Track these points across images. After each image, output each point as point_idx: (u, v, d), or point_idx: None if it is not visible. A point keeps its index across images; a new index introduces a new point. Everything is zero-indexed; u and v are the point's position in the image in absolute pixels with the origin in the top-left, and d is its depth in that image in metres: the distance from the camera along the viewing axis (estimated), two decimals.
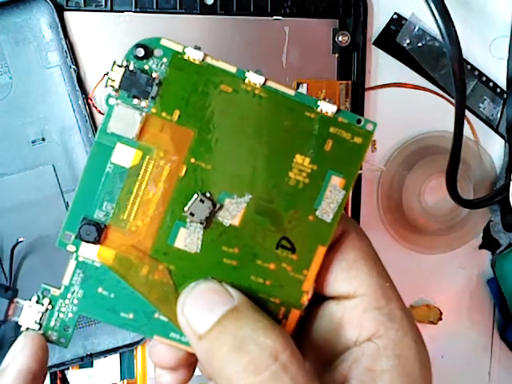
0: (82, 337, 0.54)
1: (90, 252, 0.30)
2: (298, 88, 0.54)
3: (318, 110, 0.30)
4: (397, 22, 0.56)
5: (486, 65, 0.58)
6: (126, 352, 0.55)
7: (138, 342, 0.54)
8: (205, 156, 0.30)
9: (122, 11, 0.52)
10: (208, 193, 0.30)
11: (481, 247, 0.61)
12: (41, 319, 0.31)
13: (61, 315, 0.31)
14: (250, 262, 0.31)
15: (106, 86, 0.29)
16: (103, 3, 0.52)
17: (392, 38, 0.56)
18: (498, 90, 0.58)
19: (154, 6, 0.52)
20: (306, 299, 0.31)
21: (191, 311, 0.29)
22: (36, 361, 0.29)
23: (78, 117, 0.52)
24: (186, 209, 0.30)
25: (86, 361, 0.54)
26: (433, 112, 0.58)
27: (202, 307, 0.29)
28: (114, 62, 0.29)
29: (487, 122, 0.59)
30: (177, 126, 0.29)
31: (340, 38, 0.55)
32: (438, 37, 0.53)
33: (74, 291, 0.31)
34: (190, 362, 0.33)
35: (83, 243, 0.30)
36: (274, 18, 0.54)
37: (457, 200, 0.56)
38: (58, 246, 0.30)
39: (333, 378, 0.30)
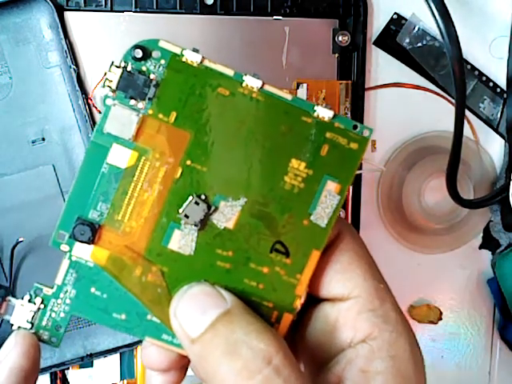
0: (82, 337, 0.54)
1: (83, 252, 0.30)
2: (298, 88, 0.54)
3: (315, 114, 0.30)
4: (397, 22, 0.56)
5: (486, 65, 0.58)
6: (125, 352, 0.55)
7: (138, 342, 0.54)
8: (201, 158, 0.30)
9: (122, 11, 0.52)
10: (203, 195, 0.30)
11: (481, 247, 0.61)
12: (33, 318, 0.31)
13: (53, 315, 0.31)
14: (243, 266, 0.31)
15: (103, 87, 0.29)
16: (103, 3, 0.52)
17: (392, 37, 0.56)
18: (498, 89, 0.58)
19: (154, 6, 0.52)
20: (298, 303, 0.31)
21: (184, 314, 0.29)
22: (28, 359, 0.29)
23: (78, 117, 0.52)
24: (180, 211, 0.30)
25: (86, 361, 0.54)
26: (433, 112, 0.58)
27: (195, 310, 0.29)
28: (112, 63, 0.29)
29: (487, 121, 0.59)
30: (173, 128, 0.29)
31: (340, 38, 0.55)
32: (438, 37, 0.53)
33: (66, 291, 0.31)
34: (182, 364, 0.33)
35: (77, 243, 0.30)
36: (274, 18, 0.54)
37: (457, 200, 0.56)
38: (51, 245, 0.30)
39: (327, 380, 0.30)
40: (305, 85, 0.54)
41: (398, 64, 0.57)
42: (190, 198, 0.30)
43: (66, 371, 0.55)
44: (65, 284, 0.31)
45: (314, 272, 0.31)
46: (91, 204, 0.30)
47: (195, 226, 0.30)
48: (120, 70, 0.29)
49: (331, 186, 0.31)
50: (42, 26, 0.51)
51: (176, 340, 0.31)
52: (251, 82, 0.29)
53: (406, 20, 0.56)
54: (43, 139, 0.52)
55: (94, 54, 0.53)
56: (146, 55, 0.29)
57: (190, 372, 0.33)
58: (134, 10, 0.52)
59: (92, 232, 0.30)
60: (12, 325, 0.31)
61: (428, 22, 0.55)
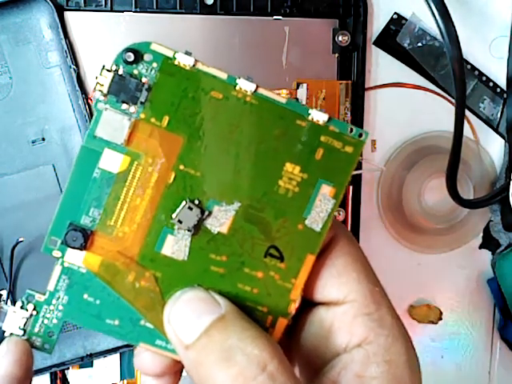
0: (82, 337, 0.54)
1: (75, 258, 0.30)
2: (297, 88, 0.54)
3: (309, 118, 0.30)
4: (397, 22, 0.56)
5: (486, 65, 0.58)
6: (125, 352, 0.55)
7: None
8: (194, 163, 0.29)
9: (122, 11, 0.52)
10: (196, 200, 0.30)
11: (481, 247, 0.61)
12: (25, 325, 0.30)
13: (45, 321, 0.30)
14: (237, 270, 0.30)
15: (94, 91, 0.29)
16: (103, 3, 0.52)
17: (392, 37, 0.56)
18: (498, 89, 0.58)
19: (154, 6, 0.52)
20: (293, 308, 0.31)
21: (178, 320, 0.29)
22: (20, 366, 0.29)
23: (78, 117, 0.52)
24: (174, 216, 0.29)
25: (85, 361, 0.54)
26: (433, 112, 0.58)
27: (189, 316, 0.29)
28: (103, 67, 0.29)
29: (487, 121, 0.59)
30: (166, 132, 0.29)
31: (340, 38, 0.54)
32: (438, 37, 0.53)
33: (58, 297, 0.30)
34: (177, 369, 0.32)
35: (69, 249, 0.30)
36: (274, 18, 0.54)
37: (457, 200, 0.56)
38: (43, 251, 0.30)
39: None
40: (305, 85, 0.54)
41: (398, 64, 0.57)
42: (184, 202, 0.29)
43: (65, 371, 0.55)
44: (57, 290, 0.30)
45: (309, 276, 0.31)
46: (83, 209, 0.30)
47: (189, 231, 0.30)
48: (111, 74, 0.29)
49: (326, 190, 0.30)
50: (41, 26, 0.51)
51: (170, 345, 0.30)
52: (245, 86, 0.29)
53: (406, 20, 0.56)
54: (43, 139, 0.52)
55: (94, 54, 0.52)
56: (138, 58, 0.29)
57: (184, 373, 0.32)
58: (133, 10, 0.52)
59: (84, 238, 0.29)
60: (4, 332, 0.30)
61: (428, 21, 0.55)
